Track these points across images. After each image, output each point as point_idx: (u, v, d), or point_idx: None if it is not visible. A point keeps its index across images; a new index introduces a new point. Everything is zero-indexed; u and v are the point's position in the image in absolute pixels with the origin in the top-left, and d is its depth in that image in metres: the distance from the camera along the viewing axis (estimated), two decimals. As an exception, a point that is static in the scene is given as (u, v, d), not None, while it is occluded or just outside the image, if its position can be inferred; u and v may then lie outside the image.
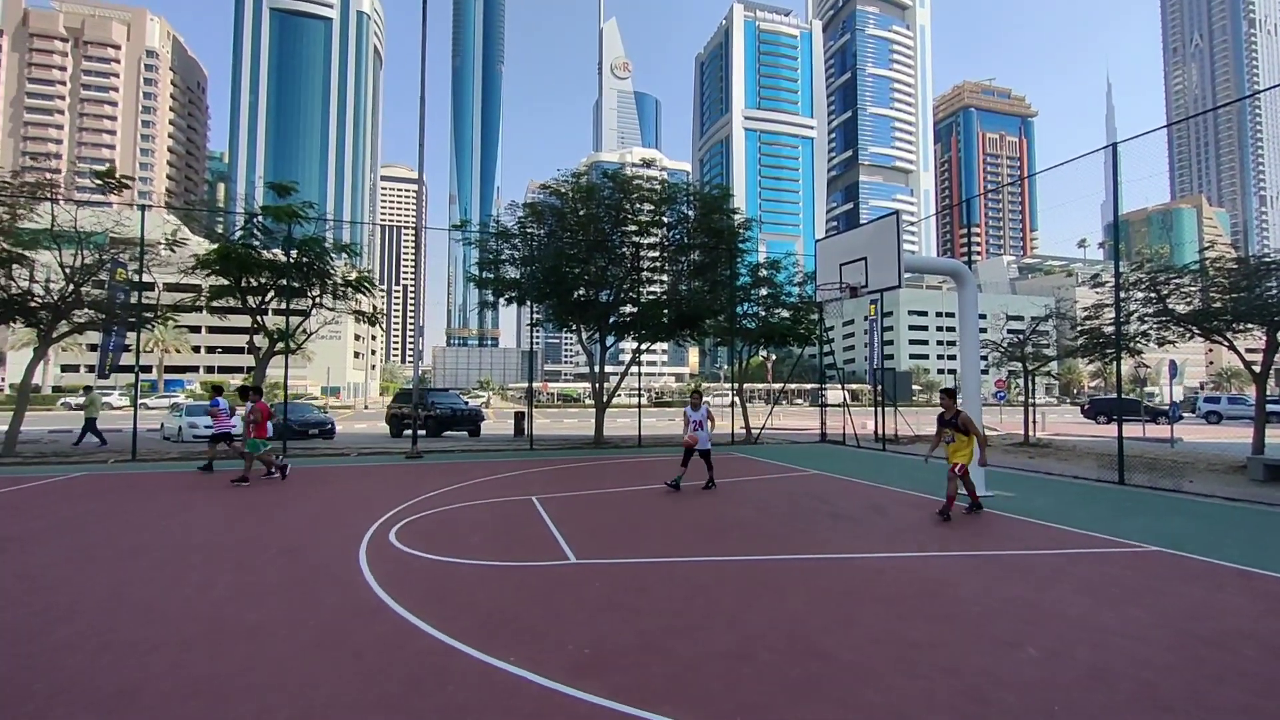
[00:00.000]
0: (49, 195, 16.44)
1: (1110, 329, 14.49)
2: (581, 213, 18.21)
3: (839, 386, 23.88)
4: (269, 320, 16.69)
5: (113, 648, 3.75)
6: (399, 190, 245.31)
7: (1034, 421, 19.52)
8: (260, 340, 16.48)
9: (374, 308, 20.66)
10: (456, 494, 9.53)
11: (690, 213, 19.40)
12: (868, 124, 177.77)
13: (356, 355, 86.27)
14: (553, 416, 40.05)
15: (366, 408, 58.76)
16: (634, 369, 20.01)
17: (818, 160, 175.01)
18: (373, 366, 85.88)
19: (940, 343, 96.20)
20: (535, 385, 19.14)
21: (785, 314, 21.65)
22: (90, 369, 43.68)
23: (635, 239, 18.68)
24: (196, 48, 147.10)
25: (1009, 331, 21.65)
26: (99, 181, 17.00)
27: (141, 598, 4.72)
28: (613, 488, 10.22)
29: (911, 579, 5.22)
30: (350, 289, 17.32)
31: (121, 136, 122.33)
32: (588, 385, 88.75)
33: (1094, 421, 32.85)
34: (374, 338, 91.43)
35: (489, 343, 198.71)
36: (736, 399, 21.72)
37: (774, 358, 39.41)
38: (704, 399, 10.54)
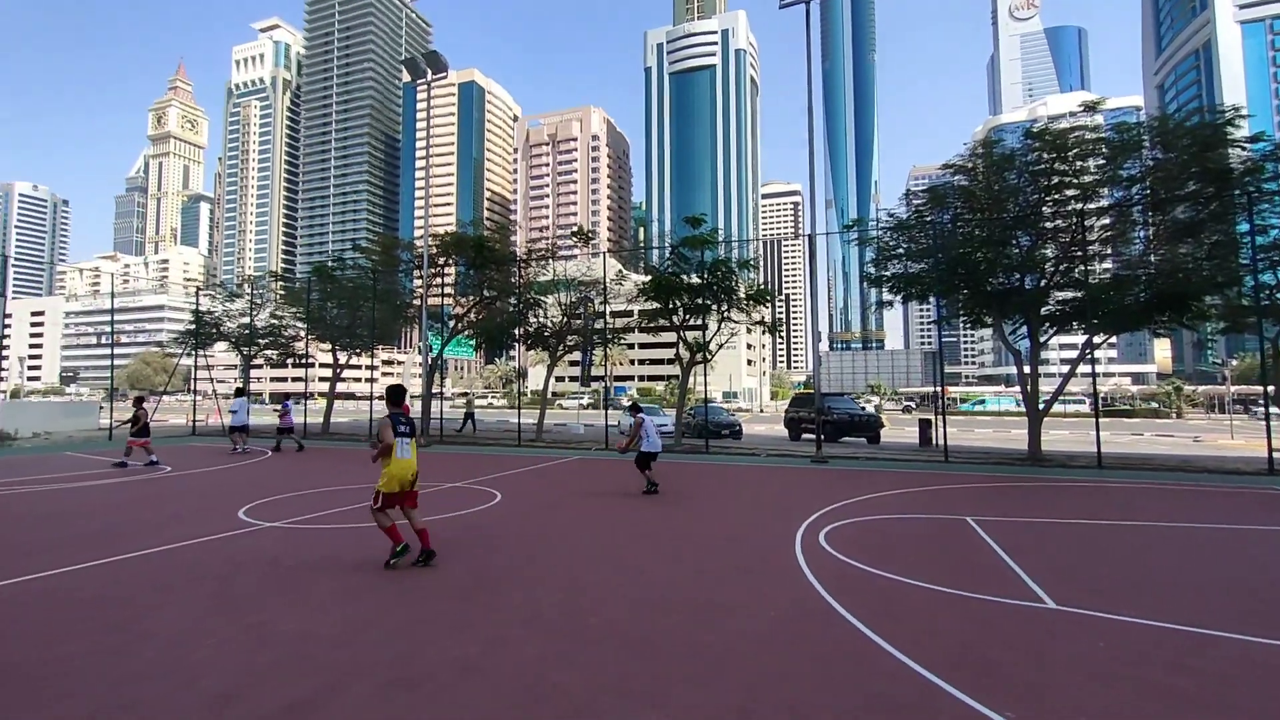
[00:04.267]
0: (550, 256, 23.03)
1: None
2: (996, 187, 15.55)
3: None
4: (689, 335, 19.51)
5: (626, 601, 4.73)
6: (776, 205, 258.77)
7: None
8: (683, 352, 19.38)
9: (773, 318, 21.98)
10: (873, 504, 9.15)
11: (1164, 157, 14.42)
12: None
13: (749, 363, 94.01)
14: (960, 425, 35.49)
15: (762, 411, 63.41)
16: (1074, 370, 15.93)
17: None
18: (763, 373, 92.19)
19: None
20: (935, 390, 17.13)
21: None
22: (574, 379, 59.41)
23: (1075, 206, 14.91)
24: (622, 124, 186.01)
25: None
26: (574, 239, 22.96)
27: (632, 559, 5.89)
28: (1073, 517, 8.20)
29: None
30: (752, 302, 18.83)
31: (580, 202, 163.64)
32: (997, 388, 75.85)
33: None
34: (764, 345, 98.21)
35: (874, 345, 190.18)
36: (1274, 406, 15.06)
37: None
38: None
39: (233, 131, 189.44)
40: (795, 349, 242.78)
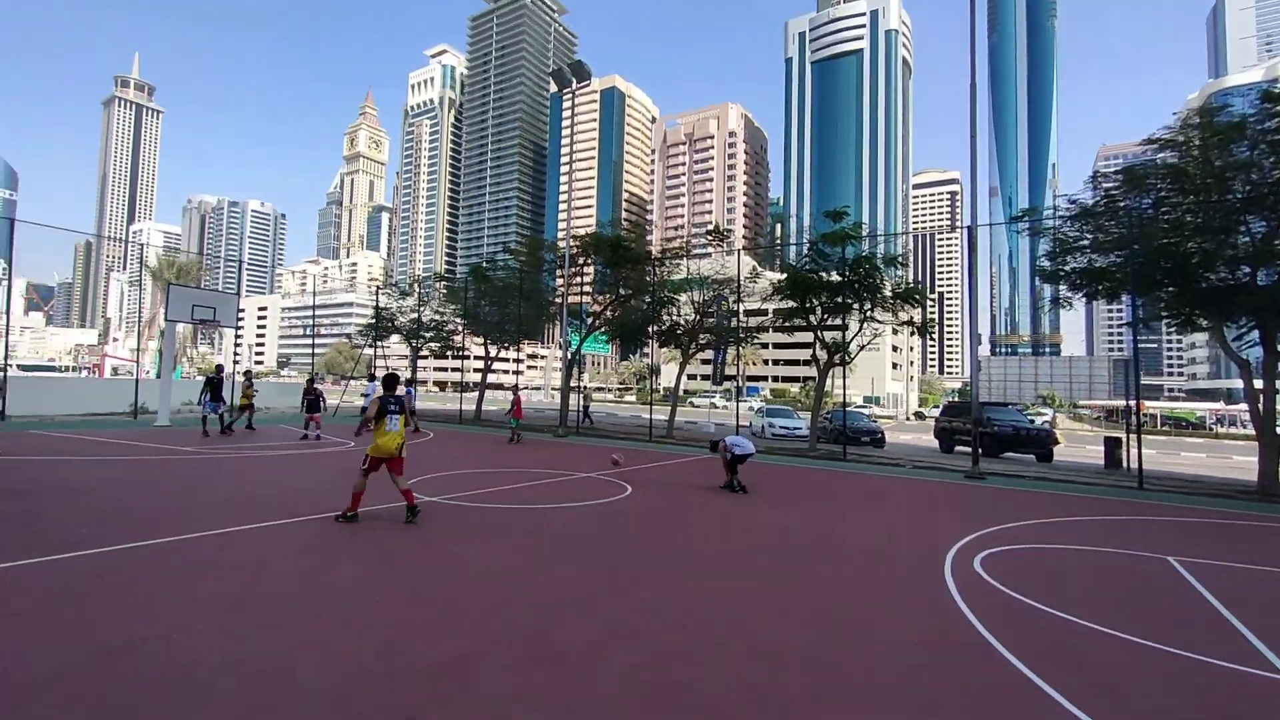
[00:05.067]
0: (684, 254, 23.17)
1: None
2: (1218, 163, 12.93)
3: None
4: (827, 335, 18.57)
5: (753, 607, 4.60)
6: (929, 195, 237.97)
7: None
8: (820, 353, 18.50)
9: (924, 318, 20.28)
10: (1041, 530, 8.06)
11: None
12: None
13: (895, 366, 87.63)
14: (1159, 446, 30.18)
15: (908, 419, 58.85)
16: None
17: None
18: (910, 378, 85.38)
19: None
20: (1131, 403, 14.72)
21: None
22: (705, 378, 59.39)
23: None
24: (759, 118, 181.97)
25: None
26: (708, 238, 22.89)
27: (761, 565, 5.72)
28: (1323, 569, 6.58)
29: None
30: (899, 301, 17.49)
31: (715, 200, 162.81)
32: (1214, 405, 62.97)
33: None
34: (911, 349, 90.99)
35: (1046, 350, 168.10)
36: None
37: None
38: None
39: (407, 148, 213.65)
40: (950, 353, 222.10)
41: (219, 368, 17.09)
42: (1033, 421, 20.21)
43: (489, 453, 14.60)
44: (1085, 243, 14.93)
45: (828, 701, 3.22)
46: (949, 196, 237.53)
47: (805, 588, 5.17)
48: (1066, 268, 15.17)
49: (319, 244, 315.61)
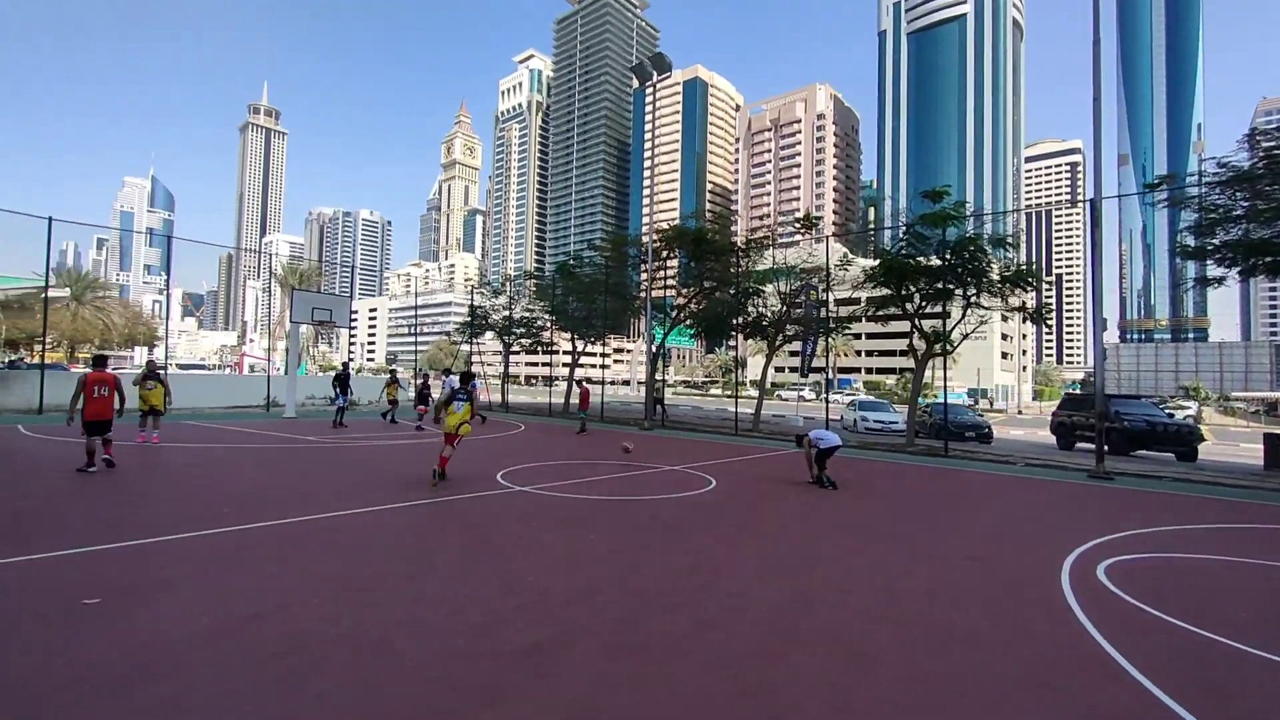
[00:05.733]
0: (770, 244, 22.59)
1: None
2: None
3: None
4: (925, 323, 17.45)
5: (842, 608, 4.40)
6: (1045, 168, 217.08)
7: None
8: (918, 343, 17.42)
9: (1038, 303, 18.58)
10: (1182, 538, 7.16)
11: None
12: None
13: (1004, 356, 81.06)
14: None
15: (1020, 413, 54.33)
16: None
17: None
18: (1024, 368, 78.61)
19: None
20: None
21: None
22: (793, 370, 57.85)
23: None
24: (850, 98, 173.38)
25: None
26: (797, 226, 22.15)
27: (852, 565, 5.47)
28: None
29: None
30: (1009, 285, 16.11)
31: (803, 187, 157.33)
32: None
33: None
34: (1024, 336, 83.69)
35: (1189, 335, 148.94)
36: None
37: None
38: None
39: (498, 152, 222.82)
40: (1070, 340, 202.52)
41: (346, 363, 18.97)
42: (1171, 415, 17.99)
43: (576, 445, 14.99)
44: (1239, 212, 13.04)
45: (924, 713, 3.02)
46: (1068, 168, 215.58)
47: (900, 591, 4.89)
48: (1215, 241, 13.32)
49: (421, 247, 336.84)
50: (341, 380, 17.61)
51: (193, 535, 5.73)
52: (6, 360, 42.92)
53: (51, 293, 25.37)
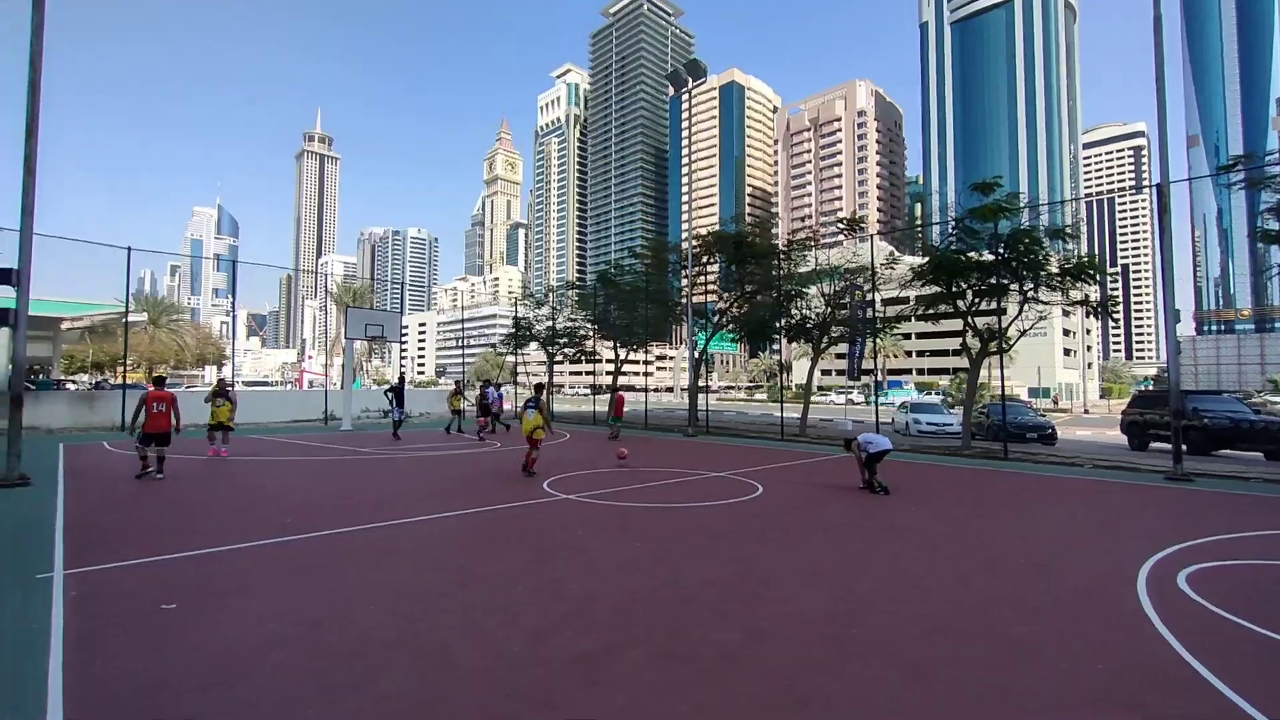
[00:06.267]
0: (813, 245, 22.22)
1: None
2: None
3: None
4: (979, 321, 16.79)
5: (896, 618, 4.26)
6: (1106, 154, 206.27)
7: None
8: (972, 341, 16.77)
9: (1103, 296, 17.66)
10: (1275, 543, 6.64)
11: None
12: None
13: (1067, 353, 77.13)
14: None
15: (1087, 412, 51.55)
16: None
17: None
18: (1088, 365, 74.54)
19: None
20: None
21: None
22: (840, 373, 56.57)
23: None
24: (892, 92, 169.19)
25: None
26: (840, 227, 21.72)
27: (906, 572, 5.29)
28: None
29: None
30: (1069, 278, 15.34)
31: (845, 186, 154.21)
32: None
33: None
34: (1088, 332, 79.41)
35: (1275, 326, 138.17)
36: None
37: None
38: None
39: (538, 167, 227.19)
40: (1140, 335, 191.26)
41: (402, 375, 19.68)
42: (1257, 412, 16.73)
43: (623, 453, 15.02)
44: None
45: (989, 728, 2.89)
46: (1131, 153, 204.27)
47: (958, 600, 4.70)
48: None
49: (466, 262, 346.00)
50: (397, 392, 18.18)
51: (258, 544, 6.03)
52: (94, 381, 46.33)
53: (131, 317, 27.26)
